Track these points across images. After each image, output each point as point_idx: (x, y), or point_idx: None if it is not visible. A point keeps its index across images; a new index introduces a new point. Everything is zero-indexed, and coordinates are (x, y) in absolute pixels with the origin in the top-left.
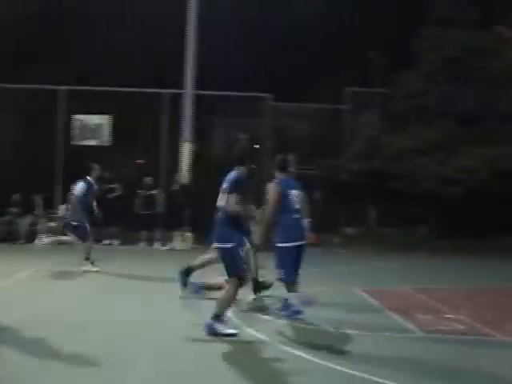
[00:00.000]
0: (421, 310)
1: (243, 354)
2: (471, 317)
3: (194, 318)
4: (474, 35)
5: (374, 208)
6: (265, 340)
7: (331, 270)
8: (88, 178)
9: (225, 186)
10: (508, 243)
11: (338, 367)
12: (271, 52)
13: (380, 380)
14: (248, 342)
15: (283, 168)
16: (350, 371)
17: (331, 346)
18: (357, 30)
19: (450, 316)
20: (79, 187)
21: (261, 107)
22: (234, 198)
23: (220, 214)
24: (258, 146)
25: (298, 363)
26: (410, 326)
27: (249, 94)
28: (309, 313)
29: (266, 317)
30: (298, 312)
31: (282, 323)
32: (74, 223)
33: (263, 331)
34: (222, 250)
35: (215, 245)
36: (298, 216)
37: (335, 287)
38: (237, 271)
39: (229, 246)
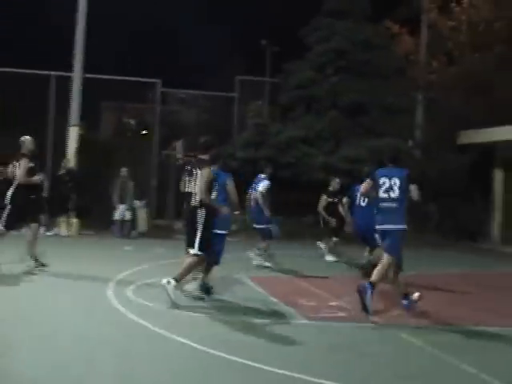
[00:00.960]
0: (304, 297)
1: (125, 340)
2: (354, 303)
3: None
4: (363, 29)
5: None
6: (149, 327)
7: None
8: None
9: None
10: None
11: (220, 353)
12: (163, 38)
13: (261, 366)
14: (132, 329)
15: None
16: (232, 357)
17: (215, 333)
18: (249, 19)
19: (333, 303)
20: None
21: (151, 93)
22: None
23: None
24: (145, 132)
25: (181, 350)
26: (294, 312)
27: (138, 79)
28: (193, 300)
29: (153, 304)
30: None
31: (168, 311)
32: None
33: (150, 320)
34: None
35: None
36: None
37: (221, 274)
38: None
39: None
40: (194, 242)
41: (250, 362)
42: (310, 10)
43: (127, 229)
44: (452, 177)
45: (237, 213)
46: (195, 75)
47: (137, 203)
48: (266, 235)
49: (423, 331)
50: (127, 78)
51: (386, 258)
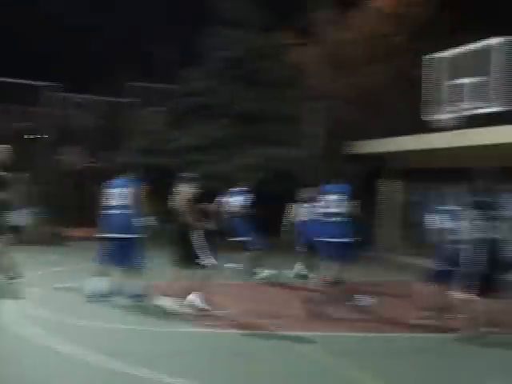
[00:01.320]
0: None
1: (11, 350)
2: (249, 311)
3: None
4: (258, 38)
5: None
6: (41, 336)
7: None
8: None
9: None
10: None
11: (110, 363)
12: (60, 41)
13: (145, 375)
14: (19, 337)
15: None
16: (122, 364)
17: (106, 341)
18: (144, 25)
19: (225, 311)
20: None
21: (45, 96)
22: None
23: None
24: (39, 137)
25: (58, 358)
26: (188, 320)
27: (29, 82)
28: (84, 308)
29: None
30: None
31: (54, 319)
32: None
33: (40, 328)
34: None
35: None
36: None
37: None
38: None
39: None
40: None
41: (134, 372)
42: (207, 17)
43: (21, 235)
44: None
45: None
46: (92, 80)
47: (32, 209)
48: (254, 245)
49: (314, 339)
50: (21, 80)
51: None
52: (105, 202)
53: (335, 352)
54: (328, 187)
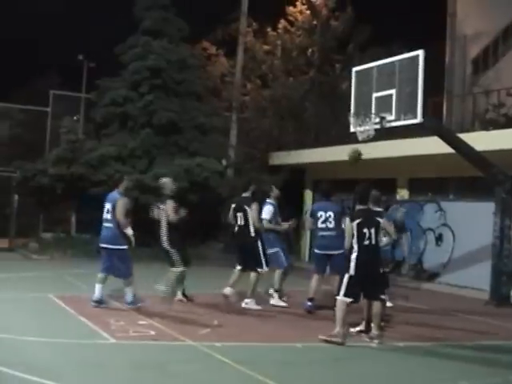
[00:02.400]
0: (114, 317)
1: None
2: (164, 323)
3: None
4: (179, 48)
5: (74, 213)
6: None
7: (26, 275)
8: None
9: None
10: (206, 252)
11: (25, 375)
12: None
13: None
14: None
15: None
16: (35, 378)
17: (21, 354)
18: (67, 33)
19: (143, 322)
20: None
21: None
22: None
23: None
24: None
25: None
26: (102, 332)
27: None
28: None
29: None
30: None
31: None
32: None
33: None
34: None
35: None
36: None
37: (28, 293)
38: None
39: None
40: None
41: (53, 383)
42: (128, 27)
43: None
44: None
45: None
46: (8, 87)
47: None
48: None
49: (230, 349)
50: None
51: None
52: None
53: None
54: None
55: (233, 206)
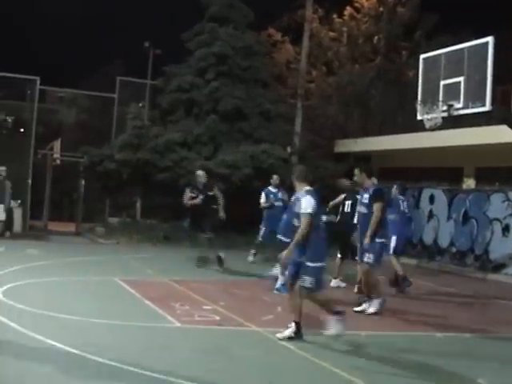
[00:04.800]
0: (179, 301)
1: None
2: (228, 308)
3: None
4: (245, 35)
5: (140, 199)
6: (19, 329)
7: (93, 259)
8: None
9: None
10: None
11: (91, 356)
12: (44, 35)
13: (132, 368)
14: (3, 332)
15: None
16: (103, 360)
17: (87, 336)
18: (133, 20)
19: (207, 307)
20: None
21: (29, 90)
22: None
23: None
24: (22, 130)
25: (51, 352)
26: (168, 316)
27: (16, 76)
28: (67, 304)
29: (23, 306)
30: None
31: (40, 314)
32: None
33: (22, 323)
34: None
35: None
36: None
37: (95, 277)
38: None
39: None
40: None
41: (120, 365)
42: (194, 14)
43: (1, 229)
44: (329, 184)
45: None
46: (76, 74)
47: (12, 203)
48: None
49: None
50: (4, 73)
51: None
52: None
53: None
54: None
55: (344, 195)
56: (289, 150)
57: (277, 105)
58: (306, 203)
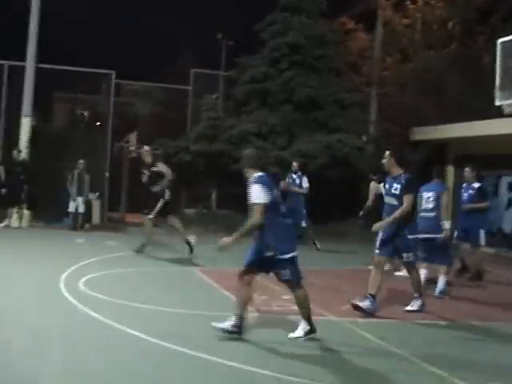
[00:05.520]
0: (258, 291)
1: (77, 333)
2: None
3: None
4: (318, 24)
5: (215, 190)
6: (101, 320)
7: (171, 249)
8: None
9: None
10: (345, 228)
11: (172, 346)
12: (117, 29)
13: (210, 357)
14: (84, 322)
15: None
16: (183, 349)
17: (166, 325)
18: (205, 12)
19: (286, 297)
20: None
21: (104, 84)
22: None
23: None
24: (98, 124)
25: (139, 345)
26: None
27: (92, 70)
28: (145, 294)
29: (104, 297)
30: None
31: (120, 304)
32: None
33: (102, 312)
34: None
35: None
36: None
37: (173, 267)
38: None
39: None
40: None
41: (200, 354)
42: (266, 5)
43: (80, 221)
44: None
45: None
46: (150, 67)
47: (91, 195)
48: None
49: (373, 325)
50: (81, 68)
51: None
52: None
53: None
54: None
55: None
56: (364, 138)
57: (351, 93)
58: (254, 193)
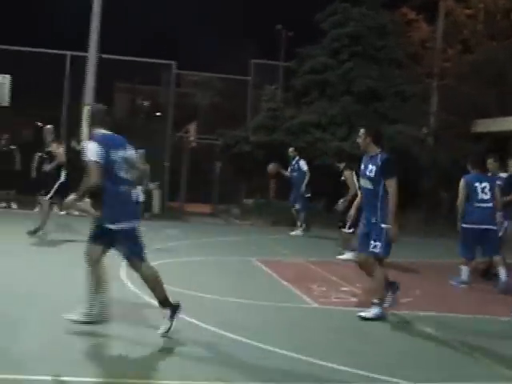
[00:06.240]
0: (316, 282)
1: (141, 321)
2: (365, 290)
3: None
4: (379, 14)
5: (274, 180)
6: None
7: (229, 239)
8: None
9: None
10: (404, 220)
11: (230, 334)
12: (178, 20)
13: (270, 347)
14: (146, 311)
15: None
16: (241, 338)
17: (225, 314)
18: (265, 3)
19: (345, 288)
20: None
21: (165, 74)
22: None
23: None
24: (159, 114)
25: (198, 333)
26: (305, 297)
27: (152, 61)
28: (204, 282)
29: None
30: None
31: (181, 293)
32: None
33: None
34: None
35: None
36: None
37: (232, 257)
38: None
39: None
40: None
41: (259, 344)
42: None
43: (140, 210)
44: (465, 165)
45: None
46: (210, 58)
47: (151, 185)
48: None
49: (432, 319)
50: (141, 59)
51: None
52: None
53: None
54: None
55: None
56: (425, 130)
57: (412, 85)
58: (89, 151)
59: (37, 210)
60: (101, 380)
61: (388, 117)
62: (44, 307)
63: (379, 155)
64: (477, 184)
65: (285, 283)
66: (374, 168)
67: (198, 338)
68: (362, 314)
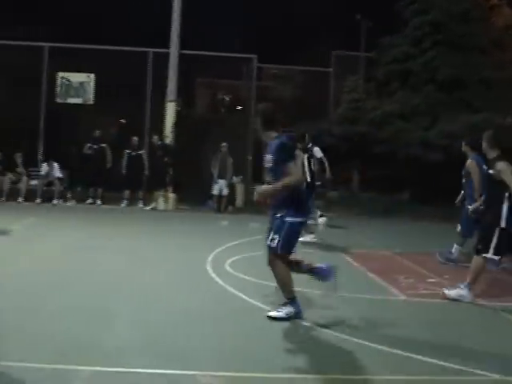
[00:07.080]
0: (403, 274)
1: (226, 314)
2: (454, 281)
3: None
4: (461, 0)
5: (358, 172)
6: (249, 301)
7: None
8: None
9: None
10: None
11: (317, 327)
12: (258, 13)
13: (360, 341)
14: (232, 303)
15: None
16: (329, 331)
17: (311, 307)
18: None
19: (432, 280)
20: None
21: (246, 68)
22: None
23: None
24: (240, 108)
25: (285, 326)
26: (393, 289)
27: (233, 55)
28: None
29: (251, 278)
30: None
31: (266, 285)
32: None
33: (249, 294)
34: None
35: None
36: None
37: (317, 250)
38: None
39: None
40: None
41: (347, 337)
42: None
43: (224, 204)
44: None
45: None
46: (290, 50)
47: (234, 179)
48: None
49: None
50: (222, 53)
51: None
52: None
53: None
54: None
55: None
56: (510, 118)
57: (497, 72)
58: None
59: (123, 205)
60: (196, 372)
61: (473, 105)
62: (139, 302)
63: (275, 141)
64: None
65: (372, 275)
66: (269, 157)
67: (280, 331)
68: (271, 313)
